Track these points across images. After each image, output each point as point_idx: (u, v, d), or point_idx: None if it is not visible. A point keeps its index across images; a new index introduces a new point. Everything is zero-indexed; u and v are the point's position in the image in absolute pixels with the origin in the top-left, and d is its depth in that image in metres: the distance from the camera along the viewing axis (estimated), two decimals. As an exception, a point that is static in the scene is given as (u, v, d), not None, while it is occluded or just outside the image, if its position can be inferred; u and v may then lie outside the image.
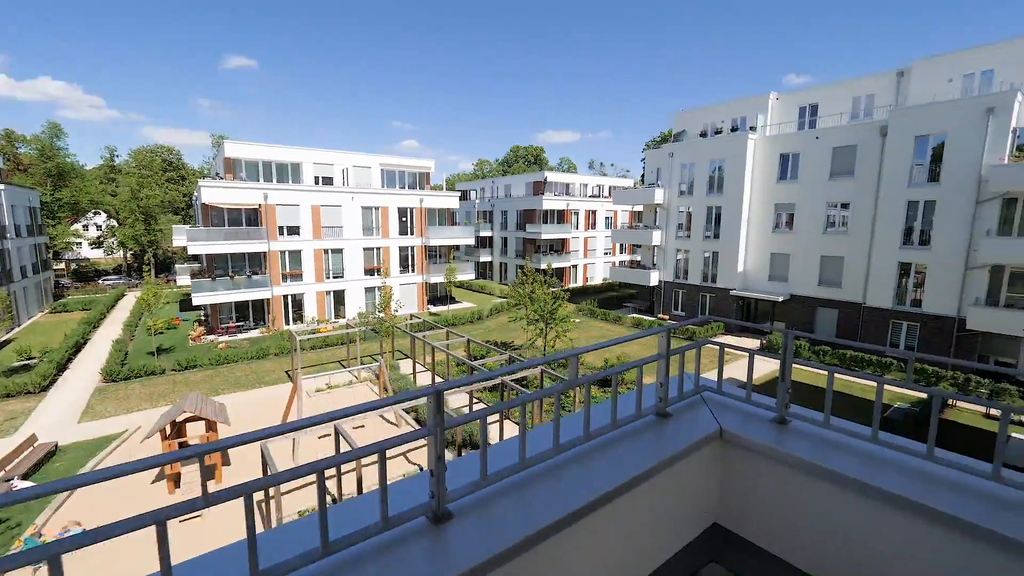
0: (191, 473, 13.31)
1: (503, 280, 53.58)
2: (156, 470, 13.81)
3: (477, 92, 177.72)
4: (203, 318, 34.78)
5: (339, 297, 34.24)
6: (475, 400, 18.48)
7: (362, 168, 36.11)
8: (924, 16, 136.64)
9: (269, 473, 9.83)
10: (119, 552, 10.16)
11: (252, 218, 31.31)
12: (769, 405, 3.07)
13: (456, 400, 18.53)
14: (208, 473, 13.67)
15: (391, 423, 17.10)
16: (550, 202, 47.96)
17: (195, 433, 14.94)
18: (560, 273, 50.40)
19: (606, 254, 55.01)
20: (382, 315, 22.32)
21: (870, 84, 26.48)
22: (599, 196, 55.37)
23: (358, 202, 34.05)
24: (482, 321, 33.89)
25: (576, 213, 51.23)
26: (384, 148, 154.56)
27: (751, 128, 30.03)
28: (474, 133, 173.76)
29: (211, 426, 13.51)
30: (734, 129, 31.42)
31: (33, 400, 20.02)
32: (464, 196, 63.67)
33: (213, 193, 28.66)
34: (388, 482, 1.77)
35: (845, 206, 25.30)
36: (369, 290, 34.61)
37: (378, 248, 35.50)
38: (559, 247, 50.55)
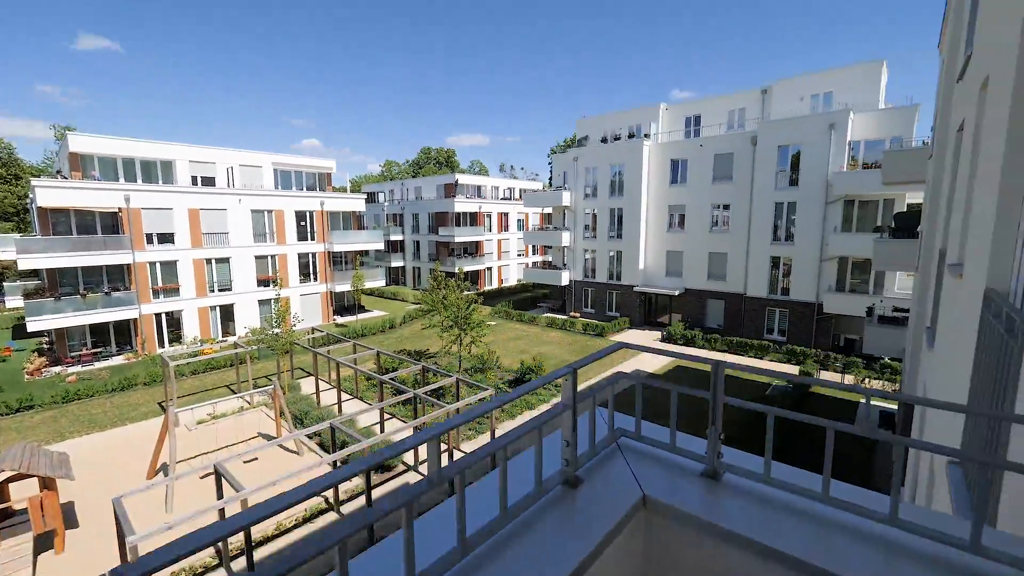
0: (15, 547, 10.70)
1: (417, 285, 52.03)
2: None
3: (385, 91, 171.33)
4: (46, 346, 29.03)
5: (227, 312, 30.60)
6: (386, 417, 17.45)
7: (251, 168, 32.66)
8: (784, 40, 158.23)
9: (125, 533, 8.14)
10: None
11: (111, 225, 26.77)
12: (697, 454, 2.48)
13: (366, 419, 17.32)
14: (44, 543, 11.17)
15: (291, 451, 15.48)
16: (462, 204, 47.53)
17: (24, 494, 12.04)
18: (475, 276, 50.15)
19: (519, 255, 55.87)
20: (278, 330, 20.19)
21: (741, 99, 29.84)
22: (511, 199, 56.08)
23: (247, 205, 30.73)
24: (395, 330, 32.43)
25: (489, 215, 51.35)
26: (282, 148, 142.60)
27: (646, 135, 32.28)
28: (382, 134, 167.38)
29: (47, 483, 11.04)
30: (631, 136, 33.56)
31: None
32: (371, 199, 60.85)
33: (53, 195, 23.93)
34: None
35: (726, 207, 28.19)
36: (264, 303, 31.40)
37: (273, 256, 32.36)
38: (473, 250, 50.27)
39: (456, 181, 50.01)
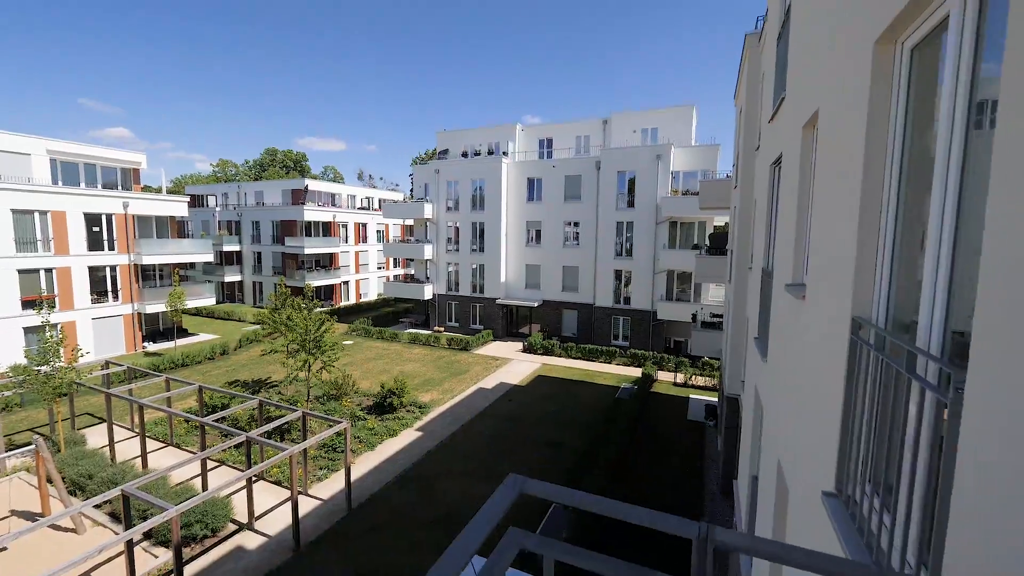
0: None
1: (259, 303, 45.54)
2: None
3: (222, 82, 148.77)
4: None
5: (-32, 346, 22.52)
6: (212, 466, 14.41)
7: (14, 155, 24.81)
8: (619, 77, 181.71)
9: None
10: None
11: None
12: None
13: (182, 472, 14.01)
14: None
15: (68, 530, 11.65)
16: (314, 213, 43.26)
17: None
18: (330, 290, 45.96)
19: (379, 268, 53.06)
20: (49, 368, 15.16)
21: (585, 127, 32.98)
22: (369, 208, 53.07)
23: (5, 202, 23.19)
24: (228, 356, 27.60)
25: (345, 226, 47.70)
26: (68, 134, 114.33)
27: (504, 153, 33.49)
28: (217, 130, 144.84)
29: None
30: (491, 152, 34.49)
31: None
32: (199, 203, 51.99)
33: None
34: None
35: (577, 224, 30.66)
36: (33, 330, 23.88)
37: (48, 269, 24.95)
38: (327, 262, 46.06)
39: (306, 187, 45.45)
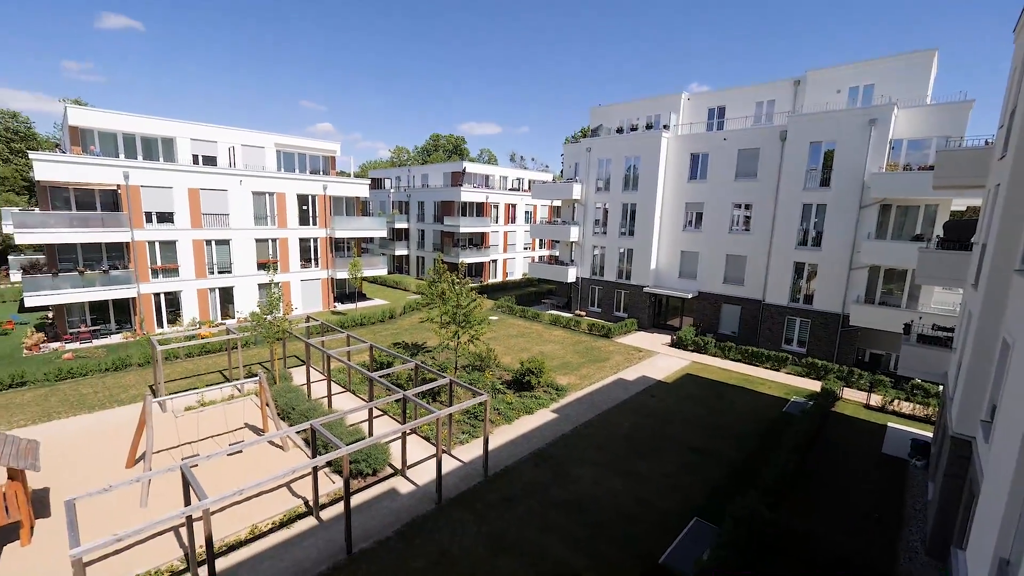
0: None
1: (420, 275, 51.08)
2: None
3: (399, 77, 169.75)
4: (47, 321, 28.56)
5: (227, 295, 29.86)
6: (377, 415, 16.51)
7: (253, 148, 31.70)
8: (819, 27, 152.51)
9: (70, 544, 7.19)
10: None
11: (111, 202, 26.02)
12: None
13: (355, 416, 16.39)
14: (9, 534, 10.43)
15: (277, 446, 14.60)
16: (469, 194, 46.29)
17: (-7, 481, 11.41)
18: (480, 268, 49.03)
19: (526, 249, 54.61)
20: (272, 317, 19.26)
21: (771, 90, 27.95)
22: (519, 190, 54.69)
23: (248, 186, 29.81)
24: (394, 320, 31.49)
25: (496, 206, 50.09)
26: (292, 130, 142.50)
27: (664, 127, 30.63)
28: (395, 121, 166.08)
29: (13, 474, 10.26)
30: (649, 127, 31.89)
31: None
32: (378, 184, 59.84)
33: (51, 169, 23.15)
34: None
35: (748, 207, 26.56)
36: (263, 286, 30.60)
37: (274, 239, 31.49)
38: (479, 241, 49.13)
39: (464, 169, 48.66)
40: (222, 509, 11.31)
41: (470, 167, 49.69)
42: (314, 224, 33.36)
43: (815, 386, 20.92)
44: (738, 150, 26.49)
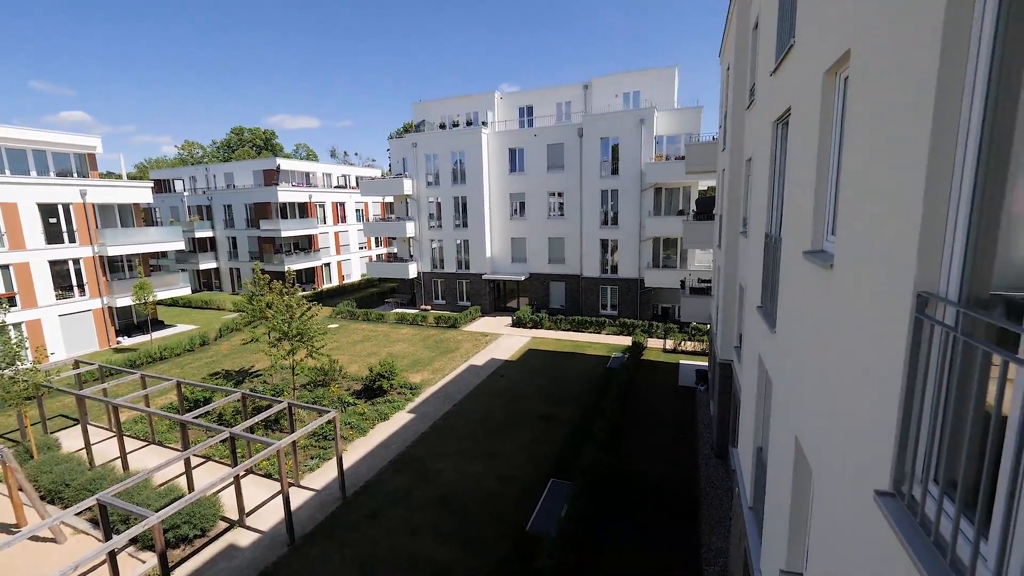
0: None
1: (237, 290, 44.17)
2: None
3: (190, 60, 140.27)
4: None
5: (-75, 352, 21.22)
6: (197, 463, 13.94)
7: (-52, 144, 22.90)
8: (601, 37, 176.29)
9: None
10: None
11: None
12: None
13: (165, 472, 13.53)
14: None
15: (48, 540, 11.14)
16: (288, 194, 41.57)
17: None
18: (311, 274, 44.76)
19: (361, 248, 51.78)
20: (14, 369, 14.25)
21: (566, 92, 31.81)
22: (346, 187, 51.30)
23: (-56, 198, 21.51)
24: (208, 347, 26.73)
25: (322, 206, 46.11)
26: (19, 120, 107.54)
27: (483, 123, 32.22)
28: (182, 112, 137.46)
29: None
30: (469, 123, 33.17)
31: None
32: (165, 187, 49.57)
33: None
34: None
35: (561, 194, 29.92)
36: (-5, 332, 22.63)
37: (5, 266, 23.49)
38: (306, 245, 44.67)
39: (278, 166, 43.49)
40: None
41: (286, 164, 44.58)
42: (72, 241, 25.91)
43: (627, 341, 24.97)
44: (547, 145, 29.52)
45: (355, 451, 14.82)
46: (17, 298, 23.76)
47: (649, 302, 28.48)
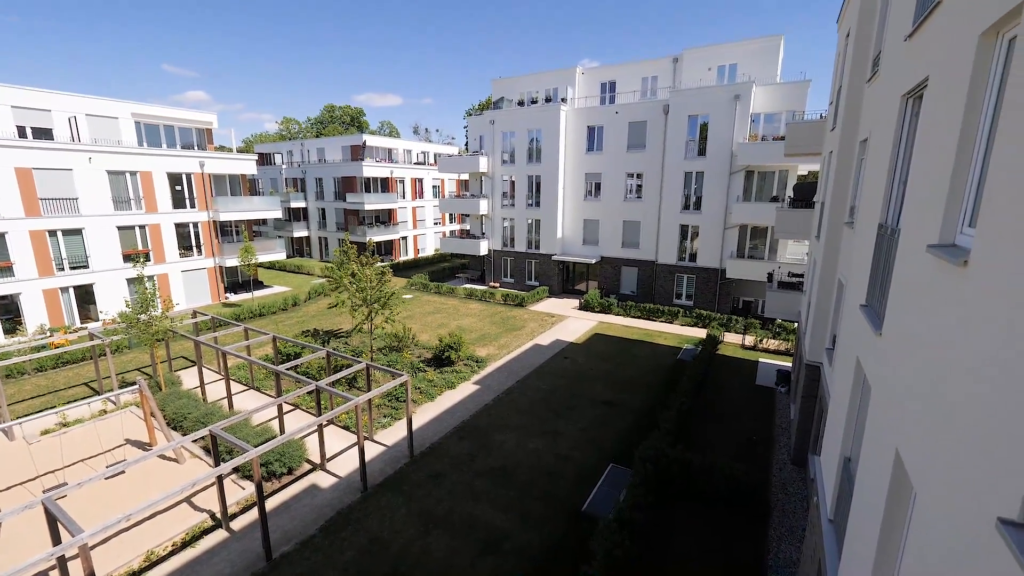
0: None
1: (324, 257, 47.91)
2: None
3: (288, 44, 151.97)
4: None
5: (86, 294, 25.49)
6: (287, 410, 15.55)
7: (103, 119, 26.71)
8: (690, 10, 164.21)
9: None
10: None
11: None
12: None
13: (262, 415, 15.27)
14: None
15: (170, 459, 13.14)
16: (372, 169, 43.90)
17: None
18: (389, 246, 47.29)
19: (436, 224, 53.64)
20: (148, 316, 16.80)
21: (654, 66, 29.95)
22: (425, 163, 53.06)
23: (101, 164, 25.25)
24: (299, 308, 29.40)
25: (402, 181, 48.19)
26: (154, 99, 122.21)
27: (562, 100, 31.47)
28: (282, 89, 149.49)
29: None
30: (548, 100, 32.55)
31: None
32: (266, 160, 54.34)
33: None
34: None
35: (639, 176, 28.63)
36: (135, 281, 26.55)
37: (142, 226, 27.29)
38: (386, 218, 47.13)
39: (364, 143, 45.92)
40: (106, 540, 9.97)
41: (371, 140, 46.94)
42: (192, 207, 29.45)
43: (702, 333, 23.73)
44: (628, 123, 28.20)
45: (423, 414, 15.69)
46: (151, 254, 27.60)
47: (729, 294, 26.73)
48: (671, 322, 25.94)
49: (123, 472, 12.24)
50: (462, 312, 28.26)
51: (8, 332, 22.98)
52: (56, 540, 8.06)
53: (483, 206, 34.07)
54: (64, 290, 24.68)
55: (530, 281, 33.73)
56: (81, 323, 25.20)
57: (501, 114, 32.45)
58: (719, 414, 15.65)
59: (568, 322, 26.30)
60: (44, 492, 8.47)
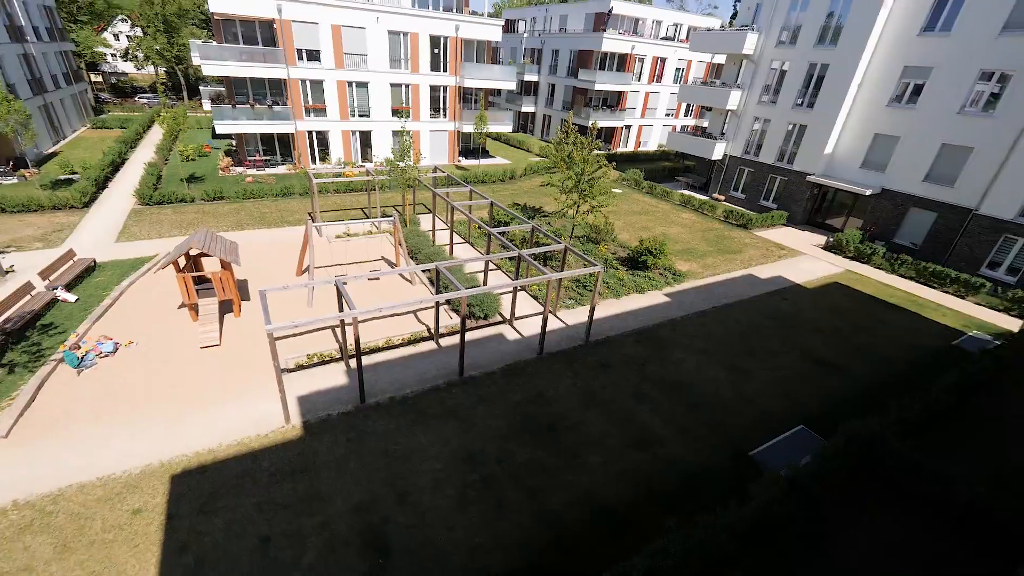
0: (208, 305, 13.24)
1: (545, 136, 48.62)
2: (179, 299, 14.01)
3: None
4: (231, 148, 33.69)
5: (365, 138, 31.80)
6: (491, 268, 17.36)
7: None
8: None
9: (264, 321, 9.22)
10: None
11: (268, 36, 27.58)
12: None
13: (472, 266, 17.47)
14: (226, 307, 13.79)
15: (405, 280, 16.47)
16: (612, 42, 40.18)
17: (211, 268, 14.91)
18: (611, 134, 44.92)
19: (667, 115, 47.94)
20: (404, 164, 20.17)
21: None
22: (674, 39, 45.86)
23: (384, 25, 29.10)
24: (514, 181, 31.24)
25: (641, 59, 43.23)
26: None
27: (904, -52, 21.77)
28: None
29: (224, 264, 13.06)
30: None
31: (76, 215, 20.37)
32: (511, 28, 54.56)
33: (220, 1, 24.77)
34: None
35: (1005, 78, 19.07)
36: (396, 134, 31.80)
37: (406, 85, 31.48)
38: (614, 102, 44.07)
39: (610, 9, 41.45)
40: (365, 321, 13.45)
41: (618, 7, 42.10)
42: (444, 71, 32.33)
43: (1014, 324, 16.81)
44: (1020, -16, 18.14)
45: (605, 308, 15.68)
46: (410, 111, 32.09)
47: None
48: (962, 296, 18.95)
49: (378, 279, 15.95)
50: (672, 219, 25.92)
51: (321, 159, 30.77)
52: (340, 308, 11.27)
53: (733, 99, 28.37)
54: (353, 133, 31.12)
55: (765, 201, 28.31)
56: (361, 162, 31.94)
57: (796, -27, 24.64)
58: (999, 428, 11.42)
59: (802, 260, 21.69)
60: (336, 277, 11.64)
